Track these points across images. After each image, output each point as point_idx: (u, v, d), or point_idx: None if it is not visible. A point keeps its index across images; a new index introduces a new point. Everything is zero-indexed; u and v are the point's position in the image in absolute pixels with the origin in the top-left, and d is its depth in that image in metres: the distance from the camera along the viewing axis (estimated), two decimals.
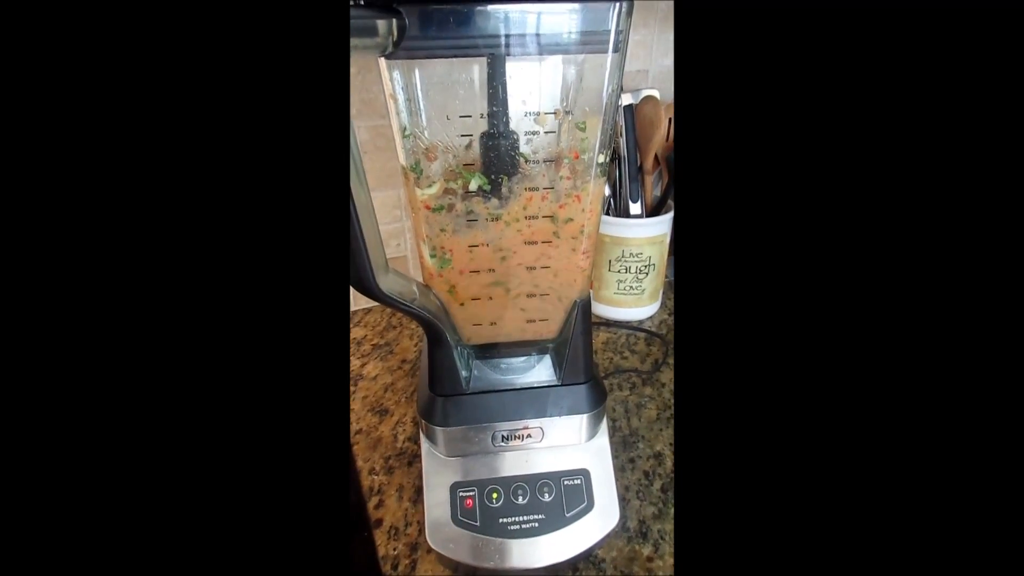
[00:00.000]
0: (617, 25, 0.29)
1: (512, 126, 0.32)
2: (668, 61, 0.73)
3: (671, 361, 0.63)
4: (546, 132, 0.32)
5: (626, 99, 0.64)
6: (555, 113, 0.32)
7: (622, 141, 0.64)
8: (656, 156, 0.66)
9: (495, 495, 0.39)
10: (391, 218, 0.70)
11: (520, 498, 0.39)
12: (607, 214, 0.66)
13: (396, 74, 0.30)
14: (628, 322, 0.70)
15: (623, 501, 0.44)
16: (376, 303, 0.33)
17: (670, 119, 0.64)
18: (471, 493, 0.39)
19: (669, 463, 0.49)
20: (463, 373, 0.40)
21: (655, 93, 0.66)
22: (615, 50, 0.30)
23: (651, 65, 0.73)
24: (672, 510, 0.44)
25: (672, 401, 0.56)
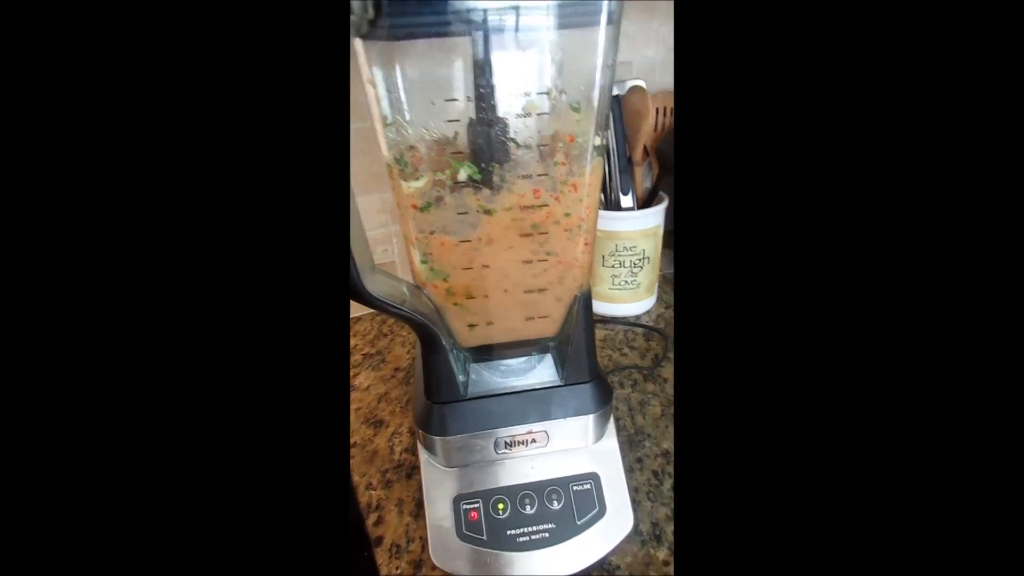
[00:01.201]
0: None
1: (502, 109, 0.30)
2: (651, 52, 0.71)
3: (671, 356, 0.61)
4: (538, 114, 0.31)
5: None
6: (547, 93, 0.30)
7: (610, 133, 0.63)
8: (645, 147, 0.65)
9: (501, 506, 0.37)
10: (377, 223, 0.68)
11: (528, 508, 0.37)
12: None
13: (375, 56, 0.27)
14: (625, 318, 0.69)
15: (634, 503, 0.42)
16: (365, 310, 0.31)
17: (657, 109, 0.63)
18: (475, 505, 0.37)
19: None
20: (460, 378, 0.38)
21: (641, 83, 0.64)
22: (609, 22, 0.28)
23: (635, 56, 0.71)
24: None
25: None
